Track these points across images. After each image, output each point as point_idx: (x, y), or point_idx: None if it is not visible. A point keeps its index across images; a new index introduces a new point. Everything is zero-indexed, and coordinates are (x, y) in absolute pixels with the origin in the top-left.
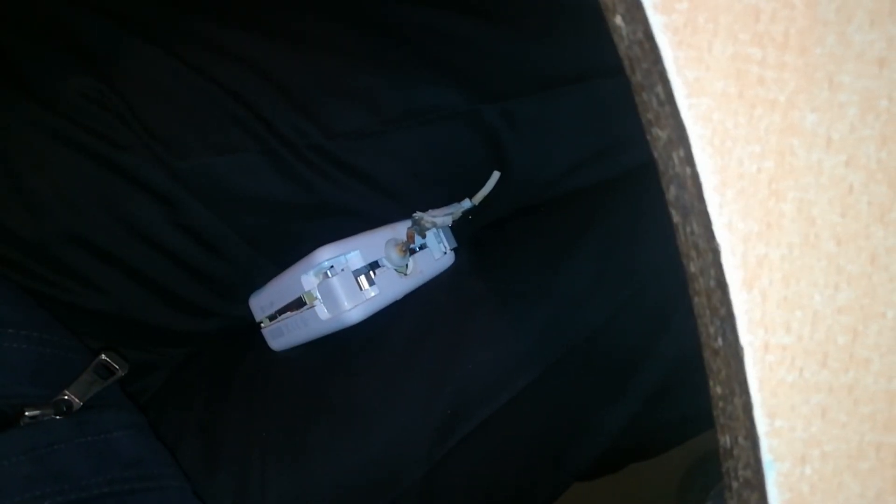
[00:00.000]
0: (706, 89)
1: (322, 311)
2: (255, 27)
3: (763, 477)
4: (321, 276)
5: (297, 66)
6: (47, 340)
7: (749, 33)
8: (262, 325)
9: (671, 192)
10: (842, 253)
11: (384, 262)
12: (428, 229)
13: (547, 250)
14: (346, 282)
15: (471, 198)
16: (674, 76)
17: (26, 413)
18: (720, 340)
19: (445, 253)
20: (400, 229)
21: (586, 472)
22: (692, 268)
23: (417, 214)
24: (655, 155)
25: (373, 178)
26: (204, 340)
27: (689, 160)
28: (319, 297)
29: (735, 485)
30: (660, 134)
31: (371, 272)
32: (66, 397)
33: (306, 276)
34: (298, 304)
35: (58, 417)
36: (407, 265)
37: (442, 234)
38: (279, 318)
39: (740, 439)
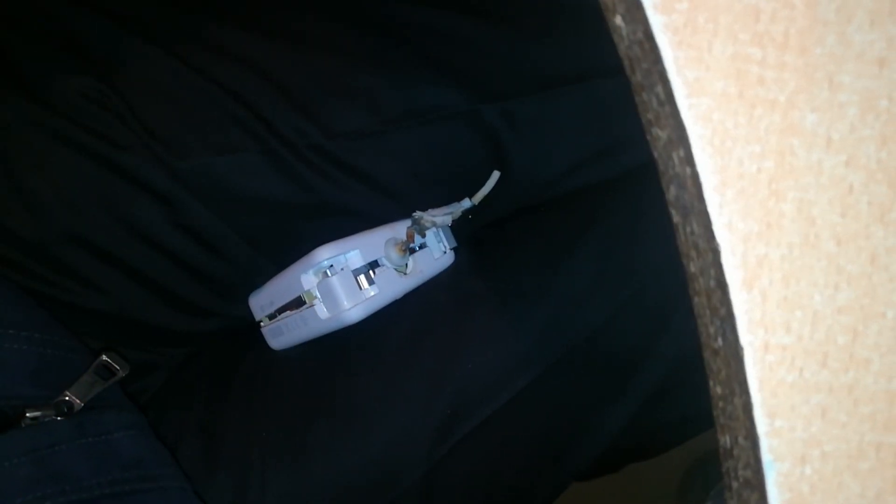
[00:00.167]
0: (706, 89)
1: (321, 311)
2: (256, 27)
3: (763, 477)
4: (321, 276)
5: (297, 66)
6: (48, 341)
7: (749, 33)
8: (262, 324)
9: (671, 192)
10: (842, 253)
11: (384, 261)
12: (427, 229)
13: (547, 250)
14: (345, 281)
15: (470, 197)
16: (674, 76)
17: (27, 414)
18: (720, 340)
19: (445, 252)
20: (399, 229)
21: (586, 471)
22: (692, 268)
23: (417, 214)
24: (655, 155)
25: (373, 178)
26: (204, 340)
27: (689, 160)
28: (319, 296)
29: (735, 485)
30: (660, 134)
31: (371, 271)
32: (66, 398)
33: (306, 276)
34: (298, 303)
35: (59, 418)
36: (406, 264)
37: (442, 234)
38: (279, 317)
39: (740, 439)
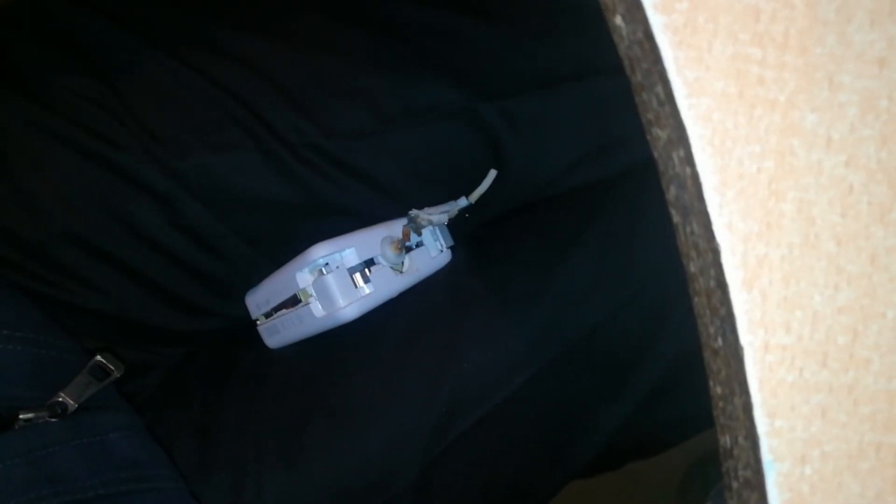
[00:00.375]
0: (706, 89)
1: (317, 309)
2: (255, 27)
3: (763, 477)
4: (316, 274)
5: (297, 66)
6: (43, 342)
7: (749, 33)
8: (259, 322)
9: (671, 192)
10: (842, 253)
11: (380, 259)
12: (424, 227)
13: (545, 249)
14: (340, 279)
15: (467, 196)
16: (674, 76)
17: (21, 416)
18: (720, 340)
19: (442, 251)
20: (396, 227)
21: (584, 470)
22: (692, 268)
23: (413, 212)
24: (655, 155)
25: (372, 178)
26: (202, 340)
27: (689, 160)
28: (314, 294)
29: (735, 485)
30: (660, 134)
31: (366, 270)
32: (60, 399)
33: (301, 274)
34: (294, 301)
35: (53, 420)
36: (403, 263)
37: (438, 232)
38: (275, 315)
39: (740, 439)
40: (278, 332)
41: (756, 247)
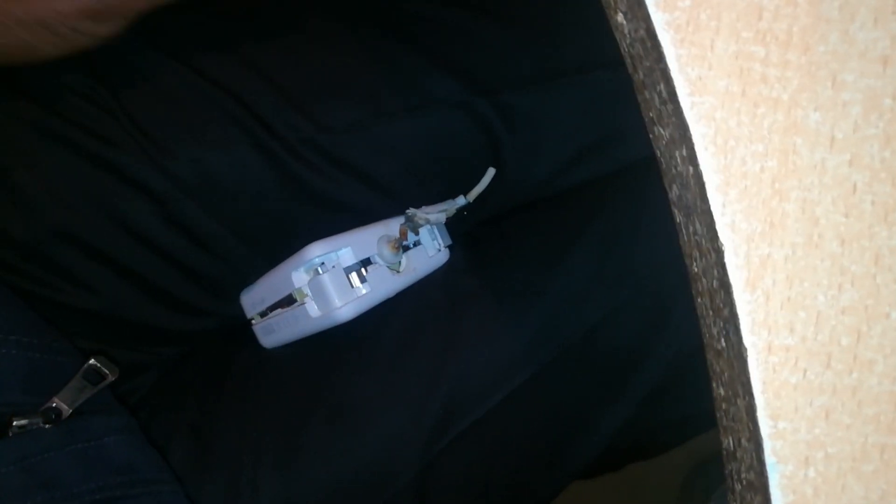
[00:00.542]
0: (709, 88)
1: (313, 309)
2: (250, 23)
3: (766, 479)
4: (312, 273)
5: (293, 64)
6: (37, 344)
7: (752, 31)
8: (254, 321)
9: (674, 192)
10: (845, 253)
11: (376, 258)
12: (421, 226)
13: (544, 248)
14: (336, 279)
15: (465, 195)
16: (676, 74)
17: (14, 423)
18: (723, 342)
19: (440, 250)
20: (393, 226)
21: (585, 471)
22: (695, 268)
23: (411, 211)
24: (658, 154)
25: (368, 175)
26: (197, 339)
27: (691, 159)
28: (310, 294)
29: (738, 487)
30: (662, 133)
31: (363, 269)
32: (54, 405)
33: (296, 273)
34: (289, 300)
35: (47, 426)
36: (400, 262)
37: (436, 231)
38: (270, 314)
39: (743, 441)
40: (273, 332)
41: (759, 247)
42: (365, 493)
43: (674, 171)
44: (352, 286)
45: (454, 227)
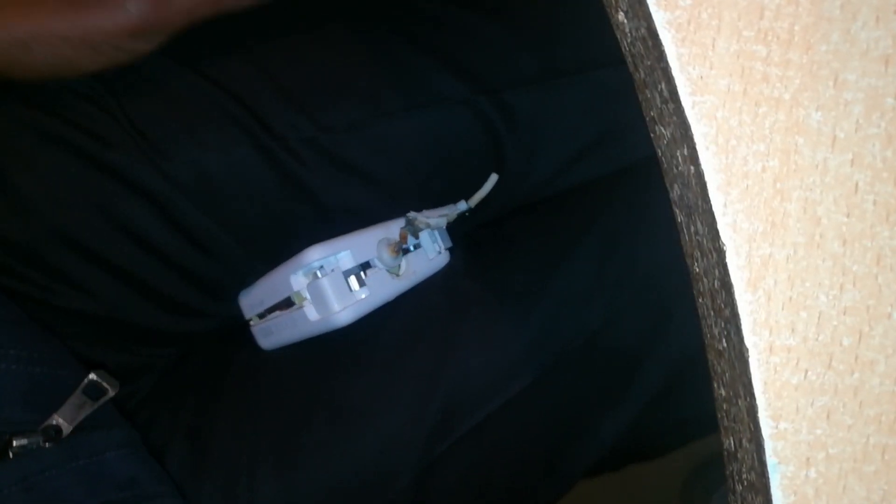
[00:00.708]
0: (710, 87)
1: (311, 313)
2: (250, 22)
3: (767, 480)
4: (311, 277)
5: (291, 60)
6: (37, 358)
7: (753, 30)
8: (252, 322)
9: (675, 191)
10: (847, 253)
11: (376, 262)
12: (421, 230)
13: (544, 251)
14: (335, 283)
15: (467, 199)
16: (677, 73)
17: (15, 442)
18: (724, 342)
19: (440, 252)
20: (393, 228)
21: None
22: (696, 268)
23: (411, 214)
24: (659, 153)
25: (368, 174)
26: (195, 341)
27: (693, 159)
28: (309, 297)
29: (739, 488)
30: (663, 132)
31: (362, 273)
32: (55, 422)
33: (295, 276)
34: (287, 303)
35: (47, 444)
36: (399, 266)
37: (437, 234)
38: (268, 316)
39: (744, 442)
40: (272, 334)
41: (761, 247)
42: (363, 495)
43: (675, 170)
44: (351, 290)
45: (454, 228)
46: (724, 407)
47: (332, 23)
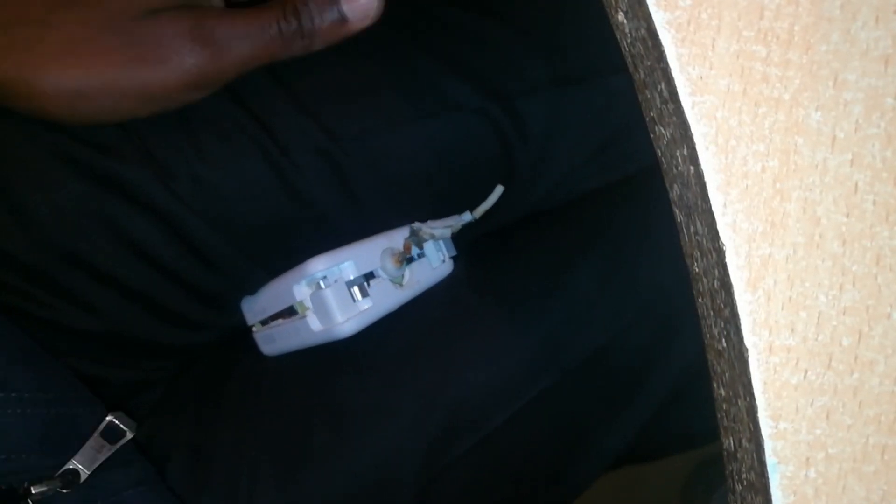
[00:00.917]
0: (710, 87)
1: (314, 323)
2: None
3: (767, 480)
4: (314, 287)
5: (300, 68)
6: (52, 399)
7: (753, 30)
8: (255, 328)
9: (675, 191)
10: (847, 253)
11: (379, 272)
12: (426, 241)
13: (549, 265)
14: (339, 294)
15: (472, 210)
16: (677, 74)
17: (34, 490)
18: (724, 342)
19: (444, 261)
20: (396, 238)
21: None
22: (696, 268)
23: (416, 225)
24: (659, 154)
25: (376, 182)
26: (199, 350)
27: (692, 159)
28: (311, 307)
29: (739, 488)
30: (663, 132)
31: (365, 283)
32: (73, 467)
33: (298, 286)
34: (290, 311)
35: (65, 491)
36: (403, 276)
37: (441, 242)
38: (271, 324)
39: (744, 442)
40: (274, 342)
41: (760, 247)
42: None
43: (675, 170)
44: (354, 301)
45: (459, 235)
46: (724, 407)
47: None
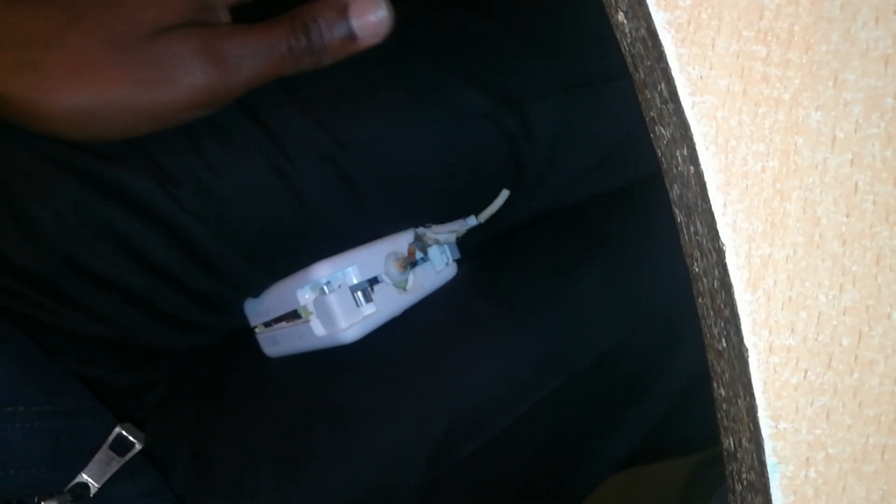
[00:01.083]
0: (710, 87)
1: (318, 328)
2: None
3: (767, 480)
4: (317, 292)
5: (307, 74)
6: (60, 411)
7: (753, 30)
8: (258, 330)
9: (675, 192)
10: (847, 253)
11: (383, 277)
12: (430, 246)
13: (552, 269)
14: (342, 299)
15: (477, 215)
16: (677, 73)
17: None
18: (724, 342)
19: (448, 264)
20: (400, 242)
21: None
22: (696, 268)
23: (420, 230)
24: (659, 154)
25: (382, 187)
26: (200, 352)
27: (692, 159)
28: (315, 312)
29: (739, 488)
30: (663, 132)
31: (369, 288)
32: (82, 480)
33: (302, 291)
34: (294, 315)
35: None
36: (407, 280)
37: (445, 246)
38: (274, 326)
39: (744, 442)
40: (277, 344)
41: (760, 247)
42: None
43: (675, 170)
44: (357, 306)
45: (464, 238)
46: (724, 407)
47: None
